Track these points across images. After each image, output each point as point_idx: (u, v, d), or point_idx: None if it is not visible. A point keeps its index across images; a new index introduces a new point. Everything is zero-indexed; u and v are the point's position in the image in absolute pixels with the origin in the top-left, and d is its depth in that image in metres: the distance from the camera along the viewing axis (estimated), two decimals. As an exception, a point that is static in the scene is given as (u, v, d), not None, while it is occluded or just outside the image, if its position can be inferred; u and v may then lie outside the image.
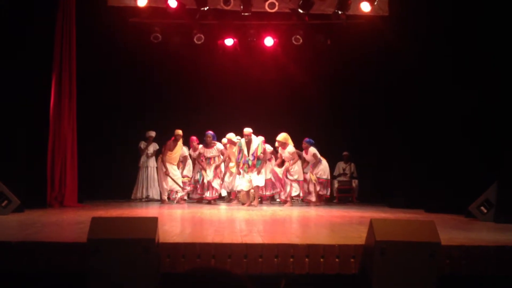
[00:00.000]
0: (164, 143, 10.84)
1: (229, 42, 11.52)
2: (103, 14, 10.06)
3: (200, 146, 10.78)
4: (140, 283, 3.71)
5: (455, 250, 4.22)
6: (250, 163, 10.07)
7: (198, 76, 12.18)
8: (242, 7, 9.95)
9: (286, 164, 10.38)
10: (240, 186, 10.29)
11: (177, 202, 10.78)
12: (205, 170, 10.62)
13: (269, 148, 10.55)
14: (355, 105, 12.21)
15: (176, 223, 6.35)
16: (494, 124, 7.52)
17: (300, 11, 10.14)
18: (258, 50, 11.71)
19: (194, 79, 12.19)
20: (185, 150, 11.01)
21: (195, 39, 11.11)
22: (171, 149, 10.72)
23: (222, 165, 10.82)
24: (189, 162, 11.12)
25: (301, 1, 9.92)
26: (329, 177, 10.78)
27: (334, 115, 12.37)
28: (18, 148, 8.09)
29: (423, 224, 4.15)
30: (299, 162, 10.43)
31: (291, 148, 10.27)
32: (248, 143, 10.13)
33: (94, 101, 10.54)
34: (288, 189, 10.32)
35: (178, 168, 10.91)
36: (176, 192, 10.84)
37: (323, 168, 10.61)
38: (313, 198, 10.48)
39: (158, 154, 11.23)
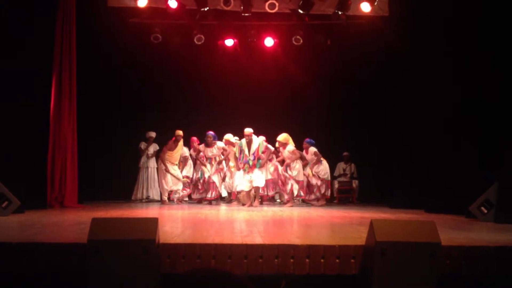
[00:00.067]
0: (165, 143, 10.87)
1: (229, 42, 11.53)
2: (103, 14, 10.07)
3: (201, 145, 10.79)
4: (140, 284, 3.70)
5: (455, 250, 4.21)
6: (250, 163, 10.08)
7: (198, 76, 12.19)
8: (242, 7, 9.96)
9: (288, 160, 10.40)
10: (240, 187, 10.29)
11: (178, 200, 10.81)
12: (205, 165, 10.63)
13: (270, 148, 10.56)
14: (355, 105, 12.22)
15: (177, 223, 6.35)
16: (494, 124, 7.51)
17: (300, 11, 10.15)
18: (258, 50, 11.71)
19: (194, 80, 12.19)
20: (185, 151, 11.01)
21: (195, 40, 11.12)
22: (172, 149, 10.75)
23: (224, 164, 10.82)
24: (190, 163, 11.12)
25: (301, 2, 9.93)
26: (329, 178, 10.80)
27: (334, 115, 12.37)
28: (18, 148, 8.09)
29: (423, 225, 4.14)
30: (300, 162, 10.44)
31: (291, 147, 10.28)
32: (249, 143, 10.15)
33: (94, 101, 10.55)
34: (289, 187, 10.31)
35: (178, 168, 10.93)
36: (176, 191, 10.86)
37: (323, 168, 10.62)
38: (316, 199, 10.50)
39: (158, 154, 11.24)
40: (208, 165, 10.67)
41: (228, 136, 10.70)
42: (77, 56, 9.26)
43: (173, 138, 10.81)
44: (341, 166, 12.39)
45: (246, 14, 10.14)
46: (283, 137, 10.30)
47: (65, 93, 9.07)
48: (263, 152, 10.22)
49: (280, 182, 10.47)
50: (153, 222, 3.92)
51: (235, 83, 12.17)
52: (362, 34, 10.70)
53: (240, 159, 10.20)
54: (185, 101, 12.15)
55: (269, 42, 11.48)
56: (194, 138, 11.00)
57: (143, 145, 11.58)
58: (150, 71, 12.01)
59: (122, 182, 11.57)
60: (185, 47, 11.38)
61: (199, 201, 10.93)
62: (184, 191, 11.04)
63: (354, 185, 12.12)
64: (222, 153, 10.77)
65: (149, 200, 11.46)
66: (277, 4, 9.95)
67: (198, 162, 10.81)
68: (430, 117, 9.08)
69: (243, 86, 12.22)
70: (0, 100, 7.83)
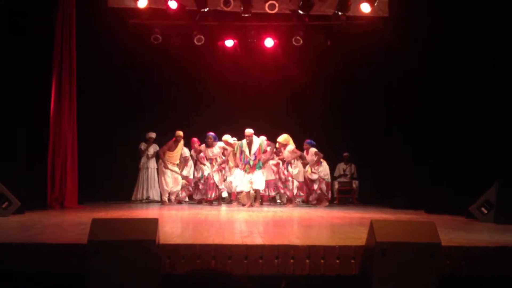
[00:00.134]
0: (165, 144, 10.88)
1: (229, 43, 11.53)
2: (103, 14, 10.06)
3: (202, 146, 10.78)
4: (140, 285, 3.70)
5: (455, 251, 4.22)
6: (251, 163, 10.08)
7: (198, 77, 12.18)
8: (242, 8, 9.96)
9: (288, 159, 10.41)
10: (240, 187, 10.28)
11: (176, 199, 10.82)
12: (204, 164, 10.63)
13: (272, 143, 10.54)
14: (355, 106, 12.22)
15: (177, 224, 6.35)
16: (494, 125, 7.51)
17: (300, 12, 10.15)
18: (258, 51, 11.71)
19: (194, 80, 12.19)
20: (186, 151, 11.01)
21: (195, 40, 11.11)
22: (172, 150, 10.76)
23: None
24: (191, 163, 11.12)
25: (301, 2, 9.93)
26: (329, 179, 10.80)
27: (334, 116, 12.37)
28: (18, 148, 8.09)
29: (423, 225, 4.15)
30: (300, 163, 10.45)
31: (291, 147, 10.29)
32: (250, 144, 10.16)
33: (94, 101, 10.55)
34: (290, 185, 10.30)
35: (179, 168, 10.94)
36: (174, 192, 10.87)
37: (323, 169, 10.62)
38: (317, 199, 10.51)
39: (158, 155, 11.24)
40: (209, 165, 10.67)
41: (226, 137, 10.70)
42: (77, 56, 9.26)
43: (174, 139, 10.81)
44: (341, 166, 12.39)
45: (246, 15, 10.14)
46: (283, 138, 10.30)
47: (65, 93, 9.06)
48: (264, 151, 10.21)
49: (280, 182, 10.46)
50: (153, 223, 3.92)
51: (235, 83, 12.16)
52: (362, 34, 10.69)
53: (241, 160, 10.20)
54: (185, 102, 12.15)
55: (269, 42, 11.48)
56: (195, 139, 10.99)
57: (143, 145, 11.58)
58: (150, 72, 12.00)
59: (122, 183, 11.57)
60: (185, 47, 11.37)
61: (199, 202, 10.93)
62: (183, 193, 11.05)
63: (354, 185, 12.12)
64: (223, 153, 10.77)
65: (149, 201, 11.45)
66: (277, 4, 9.95)
67: (198, 162, 10.81)
68: (430, 117, 9.08)
69: (243, 87, 12.21)
70: (0, 100, 7.83)
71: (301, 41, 11.14)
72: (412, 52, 9.27)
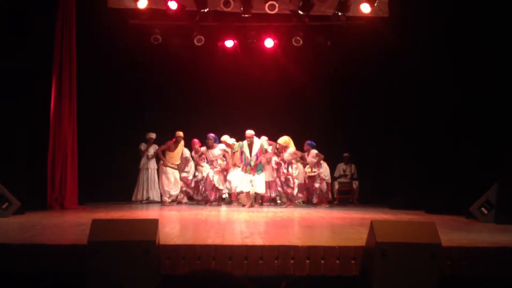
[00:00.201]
0: (164, 143, 10.89)
1: (229, 43, 11.52)
2: (103, 15, 10.06)
3: (203, 148, 10.77)
4: (140, 285, 3.70)
5: (455, 251, 4.21)
6: (252, 163, 10.08)
7: (198, 77, 12.18)
8: (242, 8, 9.95)
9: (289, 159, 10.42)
10: (240, 187, 10.27)
11: (174, 200, 10.83)
12: (202, 166, 10.63)
13: (273, 143, 10.54)
14: (355, 106, 12.22)
15: (177, 225, 6.35)
16: (494, 124, 7.51)
17: (300, 12, 10.14)
18: (258, 51, 11.70)
19: (194, 81, 12.19)
20: (186, 152, 11.01)
21: (195, 41, 11.11)
22: (171, 150, 10.76)
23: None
24: (191, 164, 11.12)
25: (301, 3, 9.93)
26: (329, 180, 10.80)
27: (334, 116, 12.37)
28: (18, 148, 8.08)
29: (423, 225, 4.14)
30: (300, 164, 10.45)
31: (291, 149, 10.28)
32: (250, 145, 10.16)
33: (94, 101, 10.55)
34: (291, 184, 10.29)
35: (179, 168, 10.95)
36: (174, 196, 10.90)
37: (323, 171, 10.62)
38: (317, 199, 10.51)
39: (158, 156, 11.24)
40: (209, 166, 10.66)
41: (225, 138, 10.69)
42: (77, 56, 9.26)
43: (174, 139, 10.81)
44: (341, 167, 12.39)
45: (246, 15, 10.14)
46: (283, 140, 10.26)
47: (65, 93, 9.06)
48: (265, 151, 10.21)
49: (280, 183, 10.44)
50: (153, 223, 3.92)
51: (235, 84, 12.16)
52: (362, 35, 10.69)
53: (241, 161, 10.19)
54: (185, 102, 12.15)
55: (269, 43, 11.47)
56: (196, 140, 10.97)
57: (143, 146, 11.58)
58: (150, 72, 12.00)
59: (122, 183, 11.57)
60: (185, 48, 11.37)
61: (199, 202, 10.92)
62: (181, 195, 11.06)
63: (354, 186, 12.12)
64: (224, 156, 10.74)
65: (149, 201, 11.45)
66: (277, 5, 9.94)
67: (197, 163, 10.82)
68: (430, 117, 9.08)
69: (243, 87, 12.21)
70: (0, 100, 7.83)
71: (301, 42, 11.14)
72: (412, 52, 9.27)
